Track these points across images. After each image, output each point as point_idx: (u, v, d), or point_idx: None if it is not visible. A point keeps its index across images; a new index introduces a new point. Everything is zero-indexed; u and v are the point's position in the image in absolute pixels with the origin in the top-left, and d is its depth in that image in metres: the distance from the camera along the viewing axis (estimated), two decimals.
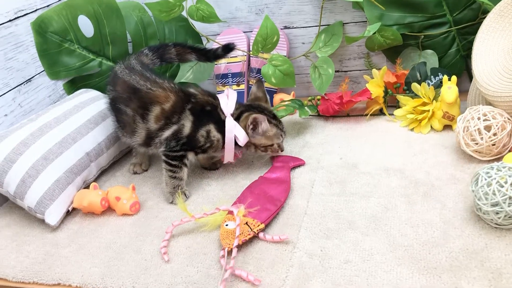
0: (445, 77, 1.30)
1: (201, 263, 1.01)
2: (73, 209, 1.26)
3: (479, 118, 1.15)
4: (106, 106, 1.39)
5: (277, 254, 1.00)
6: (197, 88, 1.29)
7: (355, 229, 1.04)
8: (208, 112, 1.24)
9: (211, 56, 1.44)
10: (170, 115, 1.22)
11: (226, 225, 1.04)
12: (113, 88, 1.31)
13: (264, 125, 1.23)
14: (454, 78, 1.29)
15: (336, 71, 1.66)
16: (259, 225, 1.05)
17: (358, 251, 0.97)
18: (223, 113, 1.24)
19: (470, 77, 1.54)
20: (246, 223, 1.04)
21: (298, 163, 1.31)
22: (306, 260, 0.97)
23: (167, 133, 1.22)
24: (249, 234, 1.03)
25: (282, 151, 1.31)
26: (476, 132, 1.14)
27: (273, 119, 1.29)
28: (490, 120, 1.14)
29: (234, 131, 1.22)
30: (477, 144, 1.15)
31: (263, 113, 1.26)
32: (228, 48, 1.43)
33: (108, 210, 1.24)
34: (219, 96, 1.28)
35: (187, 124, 1.22)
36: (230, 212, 1.08)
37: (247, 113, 1.25)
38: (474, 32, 1.35)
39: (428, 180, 1.16)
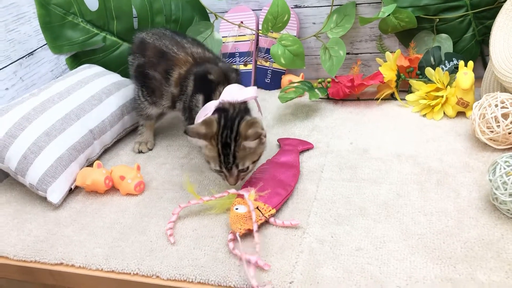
0: (461, 62, 1.27)
1: (208, 246, 0.98)
2: (76, 187, 1.23)
3: (496, 105, 1.12)
4: (132, 73, 1.37)
5: (287, 239, 0.97)
6: (223, 64, 1.23)
7: (367, 215, 1.01)
8: (205, 83, 1.14)
9: None
10: (182, 81, 1.20)
11: (236, 208, 1.00)
12: (141, 54, 1.31)
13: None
14: (470, 63, 1.26)
15: (346, 53, 1.62)
16: (270, 210, 1.01)
17: (370, 238, 0.95)
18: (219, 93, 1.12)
19: (484, 63, 1.50)
20: (257, 207, 1.01)
21: (306, 146, 1.27)
22: (316, 246, 0.95)
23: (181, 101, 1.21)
24: (260, 219, 0.99)
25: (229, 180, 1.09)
26: (492, 119, 1.11)
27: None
28: (508, 108, 1.10)
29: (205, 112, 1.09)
30: (492, 132, 1.12)
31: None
32: None
33: (112, 189, 1.21)
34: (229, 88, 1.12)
35: (188, 92, 1.19)
36: (240, 196, 1.04)
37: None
38: (492, 17, 1.31)
39: (442, 167, 1.13)
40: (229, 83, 1.13)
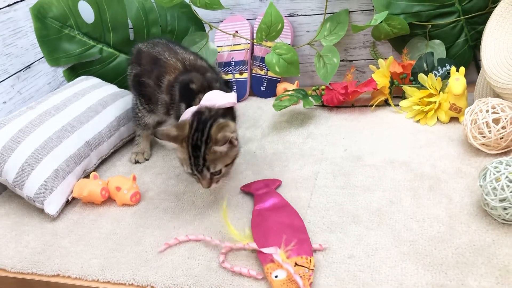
0: (453, 68, 1.27)
1: (202, 255, 0.99)
2: (73, 198, 1.24)
3: (487, 111, 1.12)
4: (130, 83, 1.38)
5: None
6: (213, 71, 1.23)
7: (359, 223, 1.02)
8: (188, 92, 1.13)
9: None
10: (170, 88, 1.20)
11: (276, 276, 0.88)
12: (137, 63, 1.33)
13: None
14: (462, 69, 1.27)
15: (341, 61, 1.63)
16: (310, 260, 0.90)
17: (362, 245, 0.95)
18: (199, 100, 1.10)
19: (478, 68, 1.51)
20: (295, 264, 0.89)
21: (277, 184, 1.17)
22: None
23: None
24: (310, 275, 0.87)
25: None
26: (484, 125, 1.12)
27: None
28: (499, 113, 1.11)
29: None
30: (484, 137, 1.13)
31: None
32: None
33: (108, 200, 1.22)
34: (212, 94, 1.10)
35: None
36: (271, 261, 0.91)
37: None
38: (484, 22, 1.32)
39: (434, 173, 1.13)
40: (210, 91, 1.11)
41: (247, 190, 1.17)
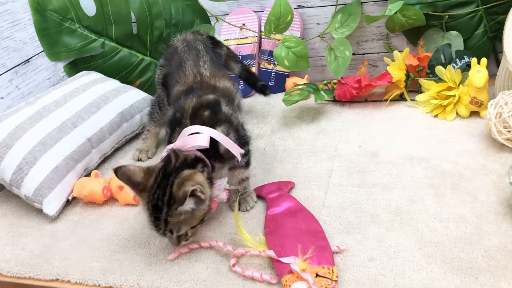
0: (474, 60, 1.21)
1: (211, 258, 0.93)
2: (73, 198, 1.19)
3: None
4: (157, 81, 1.28)
5: None
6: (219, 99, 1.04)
7: (379, 223, 0.95)
8: (173, 120, 1.01)
9: (250, 80, 1.40)
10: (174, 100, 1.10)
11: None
12: (168, 60, 1.23)
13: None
14: (484, 60, 1.20)
15: (352, 54, 1.56)
16: (332, 269, 0.83)
17: (383, 247, 0.89)
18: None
19: (497, 61, 1.44)
20: (317, 274, 0.82)
21: (290, 187, 1.09)
22: None
23: None
24: (333, 287, 0.80)
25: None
26: (510, 118, 1.05)
27: None
28: None
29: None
30: (510, 131, 1.06)
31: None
32: (263, 90, 1.37)
33: (111, 199, 1.16)
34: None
35: None
36: (289, 272, 0.83)
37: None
38: (504, 12, 1.25)
39: (456, 170, 1.07)
40: (193, 123, 0.96)
41: (259, 194, 1.09)
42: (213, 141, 0.94)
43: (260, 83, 1.38)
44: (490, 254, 0.83)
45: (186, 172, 0.88)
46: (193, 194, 0.85)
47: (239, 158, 0.98)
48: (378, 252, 0.88)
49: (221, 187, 0.96)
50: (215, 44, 1.32)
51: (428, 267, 0.83)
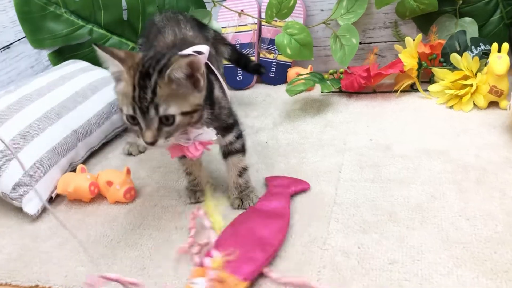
0: (495, 45, 1.12)
1: None
2: (57, 195, 1.08)
3: None
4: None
5: (305, 252, 0.82)
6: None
7: (398, 221, 0.86)
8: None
9: (242, 62, 1.30)
10: None
11: (192, 283, 0.74)
12: (146, 36, 1.12)
13: None
14: (505, 46, 1.11)
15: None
16: (238, 284, 0.74)
17: (404, 248, 0.80)
18: None
19: None
20: (222, 280, 0.74)
21: (301, 187, 0.98)
22: (341, 259, 0.79)
23: None
24: None
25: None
26: None
27: None
28: None
29: None
30: None
31: None
32: (257, 69, 1.29)
33: (98, 197, 1.06)
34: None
35: None
36: (200, 264, 0.78)
37: None
38: None
39: (479, 164, 0.98)
40: None
41: (267, 182, 1.01)
42: (209, 82, 0.84)
43: (253, 63, 1.30)
44: None
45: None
46: (192, 66, 0.74)
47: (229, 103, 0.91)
48: (399, 254, 0.79)
49: (209, 132, 0.84)
50: (201, 26, 1.21)
51: (457, 271, 0.74)
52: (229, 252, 0.75)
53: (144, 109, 0.74)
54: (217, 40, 1.26)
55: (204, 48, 0.85)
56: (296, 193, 0.97)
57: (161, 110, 0.74)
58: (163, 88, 0.74)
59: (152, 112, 0.74)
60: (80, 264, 0.87)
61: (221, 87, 0.92)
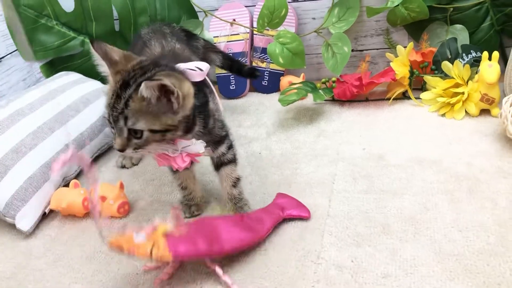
0: (485, 53, 1.13)
1: (204, 281, 0.82)
2: (51, 211, 1.07)
3: None
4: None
5: (298, 266, 0.82)
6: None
7: (391, 233, 0.86)
8: None
9: (235, 67, 1.30)
10: None
11: (136, 233, 0.77)
12: (132, 50, 1.07)
13: None
14: (495, 54, 1.12)
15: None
16: (163, 253, 0.76)
17: (397, 261, 0.80)
18: None
19: (504, 55, 1.36)
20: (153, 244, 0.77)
21: (299, 214, 0.93)
22: (334, 273, 0.79)
23: None
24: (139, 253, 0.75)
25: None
26: None
27: None
28: None
29: None
30: None
31: None
32: (251, 73, 1.29)
33: None
34: None
35: None
36: (153, 228, 0.80)
37: None
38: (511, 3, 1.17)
39: (471, 173, 0.98)
40: None
41: (275, 198, 0.98)
42: (204, 94, 0.85)
43: (247, 68, 1.31)
44: None
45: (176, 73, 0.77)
46: (165, 89, 0.72)
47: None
48: (392, 267, 0.79)
49: (197, 144, 0.84)
50: (190, 36, 1.21)
51: (450, 284, 0.74)
52: (179, 228, 0.79)
53: (115, 118, 0.75)
54: (207, 48, 1.26)
55: (204, 66, 0.85)
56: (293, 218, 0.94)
57: (129, 123, 0.75)
58: (135, 102, 0.74)
59: (121, 122, 0.75)
60: (74, 281, 0.87)
61: (215, 100, 0.93)
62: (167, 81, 0.71)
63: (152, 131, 0.76)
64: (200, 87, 0.84)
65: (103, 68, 0.78)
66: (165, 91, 0.73)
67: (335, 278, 0.78)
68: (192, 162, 0.90)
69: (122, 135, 0.76)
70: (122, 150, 0.78)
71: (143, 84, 0.72)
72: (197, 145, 0.83)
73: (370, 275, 0.78)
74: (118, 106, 0.75)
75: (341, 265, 0.81)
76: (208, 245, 0.80)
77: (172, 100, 0.74)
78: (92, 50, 0.77)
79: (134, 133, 0.76)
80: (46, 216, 1.07)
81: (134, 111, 0.74)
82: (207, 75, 0.88)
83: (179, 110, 0.76)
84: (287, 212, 0.93)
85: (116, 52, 0.78)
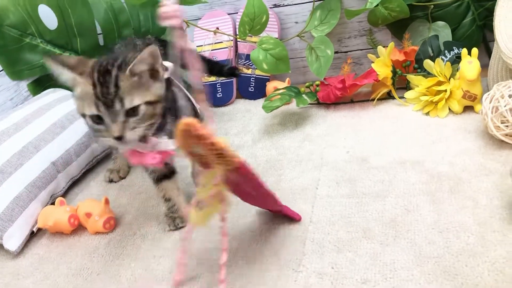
0: (464, 50, 1.12)
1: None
2: (39, 229, 1.08)
3: (510, 96, 0.97)
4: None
5: (280, 276, 0.82)
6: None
7: (372, 238, 0.86)
8: None
9: (216, 69, 1.31)
10: None
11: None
12: None
13: None
14: (475, 50, 1.11)
15: (335, 52, 1.47)
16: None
17: (377, 266, 0.80)
18: None
19: (488, 50, 1.35)
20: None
21: (292, 214, 0.94)
22: (314, 281, 0.79)
23: None
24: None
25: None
26: (508, 112, 0.96)
27: None
28: None
29: None
30: (508, 126, 0.97)
31: None
32: (231, 73, 1.33)
33: (80, 227, 1.06)
34: None
35: None
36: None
37: None
38: None
39: (453, 172, 0.98)
40: None
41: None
42: (173, 93, 0.91)
43: (226, 68, 1.32)
44: (497, 268, 0.74)
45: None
46: (152, 54, 0.79)
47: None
48: (372, 272, 0.79)
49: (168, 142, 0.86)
50: (166, 45, 1.22)
51: (428, 287, 0.74)
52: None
53: (109, 103, 0.77)
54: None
55: (169, 64, 0.89)
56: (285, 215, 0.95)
57: (127, 103, 0.77)
58: (124, 81, 0.77)
59: (117, 105, 0.77)
60: None
61: (188, 97, 0.95)
62: (154, 48, 0.77)
63: (147, 103, 0.79)
64: (168, 84, 0.87)
65: (65, 76, 0.81)
66: (152, 60, 0.79)
67: (315, 286, 0.78)
68: (166, 164, 0.95)
69: (118, 120, 0.78)
70: (121, 136, 0.78)
71: (136, 59, 0.77)
72: (168, 143, 0.85)
73: (350, 281, 0.78)
74: (109, 91, 0.76)
75: (322, 272, 0.81)
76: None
77: (157, 68, 0.80)
78: (50, 63, 0.80)
79: (131, 112, 0.78)
80: (34, 234, 1.08)
81: (128, 89, 0.77)
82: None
83: (162, 77, 0.83)
84: (285, 207, 0.93)
85: (71, 58, 0.81)
